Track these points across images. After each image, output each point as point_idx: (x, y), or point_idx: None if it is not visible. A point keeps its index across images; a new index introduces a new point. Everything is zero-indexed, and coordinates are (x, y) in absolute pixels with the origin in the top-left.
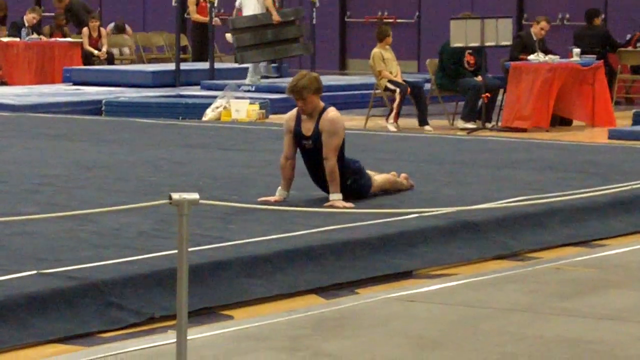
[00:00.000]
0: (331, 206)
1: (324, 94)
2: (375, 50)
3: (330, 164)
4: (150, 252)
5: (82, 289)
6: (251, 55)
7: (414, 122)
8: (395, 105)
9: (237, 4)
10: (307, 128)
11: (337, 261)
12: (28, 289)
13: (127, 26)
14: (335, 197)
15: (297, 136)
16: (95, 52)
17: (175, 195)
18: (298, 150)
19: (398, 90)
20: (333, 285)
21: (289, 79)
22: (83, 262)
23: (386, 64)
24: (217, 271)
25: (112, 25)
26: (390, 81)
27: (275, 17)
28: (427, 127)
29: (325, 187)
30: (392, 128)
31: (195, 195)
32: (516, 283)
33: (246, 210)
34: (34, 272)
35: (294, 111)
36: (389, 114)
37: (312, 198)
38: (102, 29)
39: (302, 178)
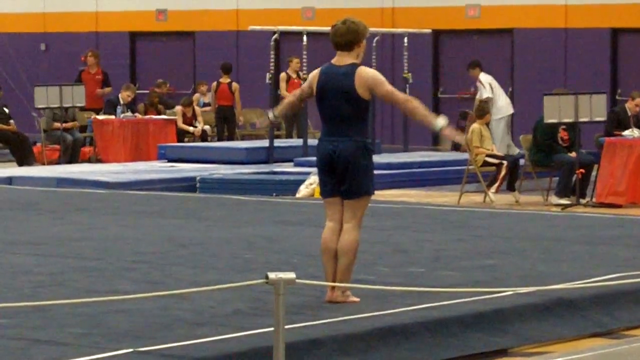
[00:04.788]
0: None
1: (413, 170)
2: (475, 126)
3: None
4: (246, 330)
5: None
6: None
7: (506, 197)
8: (501, 177)
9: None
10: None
11: (431, 339)
12: None
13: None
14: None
15: None
16: (191, 129)
17: (272, 275)
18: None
19: (505, 163)
20: None
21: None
22: (179, 340)
23: (482, 141)
24: (311, 349)
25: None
26: (490, 155)
27: None
28: (515, 193)
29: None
30: (493, 197)
31: (291, 275)
32: None
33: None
34: (130, 350)
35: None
36: (492, 184)
37: (406, 276)
38: (196, 107)
39: (397, 255)
